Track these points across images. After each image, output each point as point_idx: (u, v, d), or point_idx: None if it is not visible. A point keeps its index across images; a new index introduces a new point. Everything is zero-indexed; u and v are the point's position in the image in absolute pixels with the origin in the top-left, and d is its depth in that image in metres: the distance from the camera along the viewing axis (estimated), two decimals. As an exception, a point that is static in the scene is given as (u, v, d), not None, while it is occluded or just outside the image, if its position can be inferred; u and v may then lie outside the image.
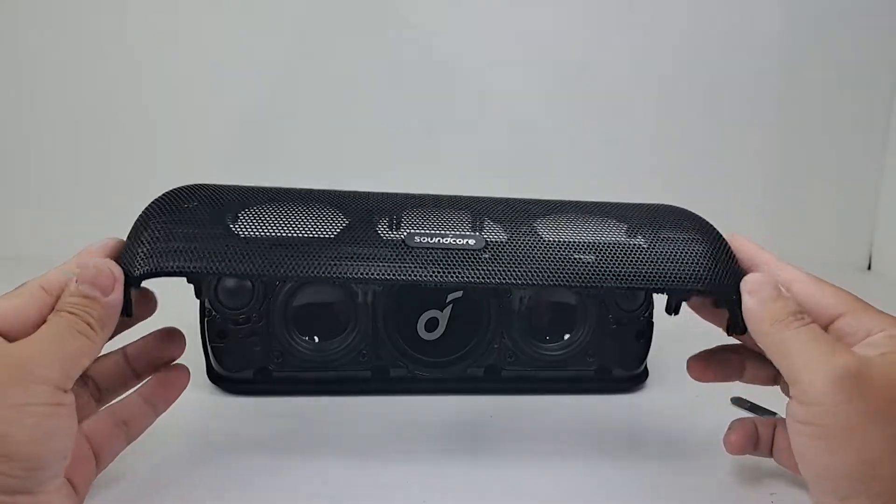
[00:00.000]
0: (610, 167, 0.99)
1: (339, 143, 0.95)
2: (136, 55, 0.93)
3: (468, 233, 0.38)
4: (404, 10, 0.93)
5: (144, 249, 0.34)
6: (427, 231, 0.37)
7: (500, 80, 0.96)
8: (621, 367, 0.56)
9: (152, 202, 0.37)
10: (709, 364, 0.42)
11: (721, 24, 0.97)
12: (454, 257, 0.36)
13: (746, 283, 0.35)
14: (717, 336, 0.41)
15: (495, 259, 0.37)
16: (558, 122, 0.98)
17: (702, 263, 0.37)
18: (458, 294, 0.52)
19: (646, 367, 0.57)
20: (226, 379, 0.54)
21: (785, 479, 0.42)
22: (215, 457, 0.44)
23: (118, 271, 0.33)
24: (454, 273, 0.36)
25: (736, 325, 0.36)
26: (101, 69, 0.93)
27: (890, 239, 1.02)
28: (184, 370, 0.41)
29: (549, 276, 0.36)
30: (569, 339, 0.55)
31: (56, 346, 0.30)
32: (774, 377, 0.40)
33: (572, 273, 0.37)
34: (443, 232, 0.37)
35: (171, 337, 0.40)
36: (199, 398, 0.53)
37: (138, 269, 0.34)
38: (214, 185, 0.39)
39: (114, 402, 0.39)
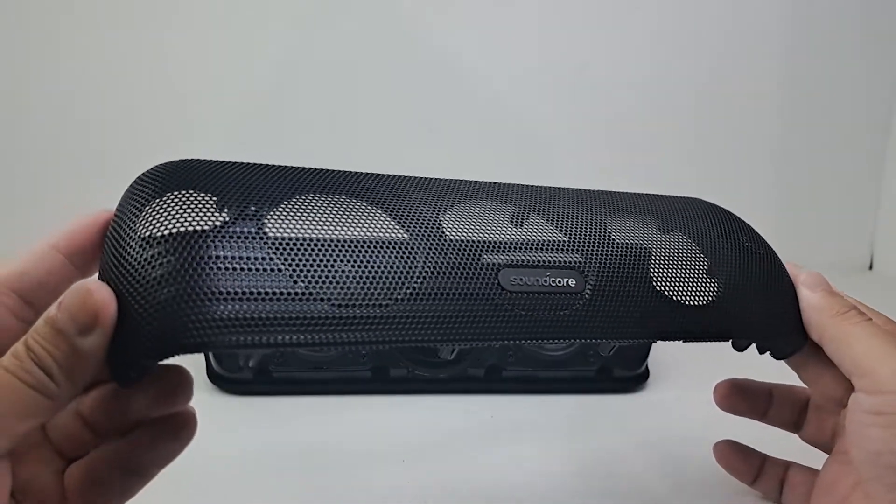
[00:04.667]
0: (611, 167, 0.99)
1: (339, 141, 0.95)
2: (136, 57, 0.93)
3: (566, 264, 0.32)
4: (405, 7, 0.93)
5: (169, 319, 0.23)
6: (524, 261, 0.31)
7: (502, 77, 0.96)
8: (622, 367, 0.56)
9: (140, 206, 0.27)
10: (734, 393, 0.41)
11: (722, 24, 0.96)
12: (556, 307, 0.31)
13: (803, 279, 0.36)
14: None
15: (597, 305, 0.32)
16: (559, 121, 0.98)
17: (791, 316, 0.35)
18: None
19: (647, 367, 0.57)
20: (226, 379, 0.54)
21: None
22: (215, 457, 0.44)
23: (110, 305, 0.23)
24: (557, 330, 0.31)
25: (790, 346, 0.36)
26: (101, 69, 0.93)
27: (891, 239, 1.02)
28: (189, 420, 0.30)
29: (655, 328, 0.33)
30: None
31: (14, 380, 0.22)
32: (796, 423, 0.39)
33: (679, 323, 0.33)
34: (540, 263, 0.32)
35: (176, 380, 0.29)
36: (199, 398, 0.53)
37: (148, 354, 0.24)
38: (216, 170, 0.30)
39: (80, 461, 0.28)
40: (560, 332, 0.31)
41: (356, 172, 0.33)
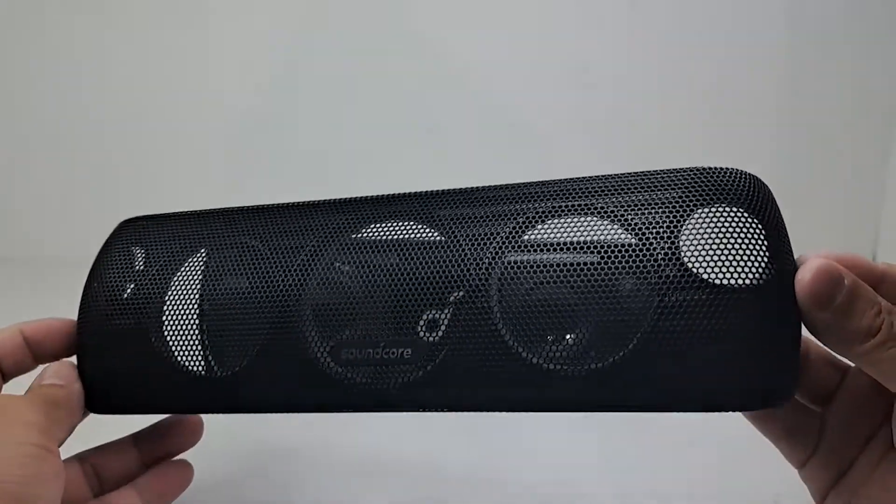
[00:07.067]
0: (611, 165, 0.99)
1: (339, 142, 0.95)
2: (134, 60, 0.93)
3: (406, 335, 0.31)
4: (404, 8, 0.93)
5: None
6: (357, 336, 0.31)
7: (502, 78, 0.96)
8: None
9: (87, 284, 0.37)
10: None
11: (723, 19, 0.96)
12: (390, 378, 0.30)
13: (808, 293, 0.28)
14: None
15: (436, 375, 0.30)
16: (559, 122, 0.98)
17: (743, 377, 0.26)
18: (460, 294, 0.51)
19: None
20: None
21: (790, 481, 0.41)
22: (214, 458, 0.44)
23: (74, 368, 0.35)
24: (394, 400, 0.31)
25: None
26: (100, 73, 0.93)
27: (895, 237, 1.02)
28: (185, 469, 0.39)
29: (507, 401, 0.30)
30: (571, 339, 0.54)
31: (40, 402, 0.32)
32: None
33: (536, 396, 0.29)
34: (375, 339, 0.31)
35: (187, 426, 0.39)
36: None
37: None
38: (151, 230, 0.37)
39: (109, 494, 0.37)
40: (397, 402, 0.31)
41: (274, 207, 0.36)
